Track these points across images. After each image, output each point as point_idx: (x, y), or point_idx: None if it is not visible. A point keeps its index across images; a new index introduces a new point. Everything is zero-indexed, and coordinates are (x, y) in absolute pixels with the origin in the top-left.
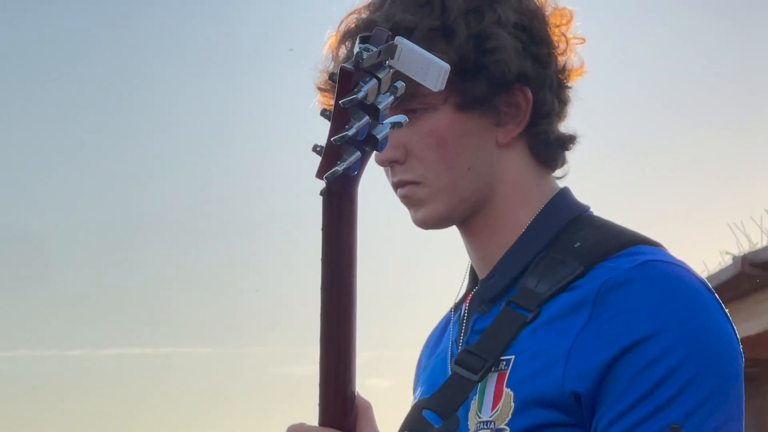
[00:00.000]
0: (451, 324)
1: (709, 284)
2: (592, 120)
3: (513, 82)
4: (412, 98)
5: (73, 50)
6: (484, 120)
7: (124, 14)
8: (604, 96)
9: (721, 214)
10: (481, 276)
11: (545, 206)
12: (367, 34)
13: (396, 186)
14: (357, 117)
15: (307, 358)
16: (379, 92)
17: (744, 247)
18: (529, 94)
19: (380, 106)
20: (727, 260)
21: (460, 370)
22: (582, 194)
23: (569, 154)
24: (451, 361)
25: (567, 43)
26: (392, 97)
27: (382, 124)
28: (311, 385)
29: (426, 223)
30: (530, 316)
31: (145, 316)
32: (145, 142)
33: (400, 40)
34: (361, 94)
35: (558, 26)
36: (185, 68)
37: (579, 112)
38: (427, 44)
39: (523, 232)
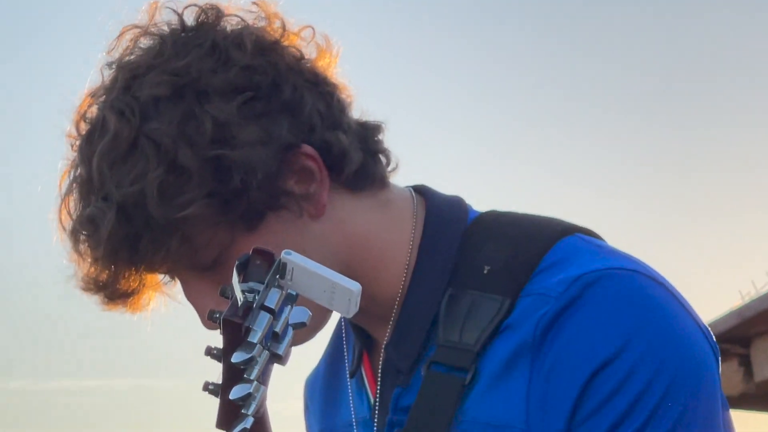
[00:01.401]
0: (349, 389)
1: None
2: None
3: (283, 161)
4: (198, 252)
5: None
6: (286, 212)
7: None
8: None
9: None
10: (376, 334)
11: (424, 232)
12: (243, 259)
13: None
14: (256, 359)
15: (296, 395)
16: (274, 318)
17: None
18: (309, 149)
19: (278, 329)
20: None
21: None
22: (629, 206)
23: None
24: None
25: (298, 47)
26: (289, 307)
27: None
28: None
29: (303, 341)
30: (467, 377)
31: (99, 344)
32: None
33: (289, 258)
34: (256, 350)
35: (279, 40)
36: None
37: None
38: (167, 202)
39: (414, 274)
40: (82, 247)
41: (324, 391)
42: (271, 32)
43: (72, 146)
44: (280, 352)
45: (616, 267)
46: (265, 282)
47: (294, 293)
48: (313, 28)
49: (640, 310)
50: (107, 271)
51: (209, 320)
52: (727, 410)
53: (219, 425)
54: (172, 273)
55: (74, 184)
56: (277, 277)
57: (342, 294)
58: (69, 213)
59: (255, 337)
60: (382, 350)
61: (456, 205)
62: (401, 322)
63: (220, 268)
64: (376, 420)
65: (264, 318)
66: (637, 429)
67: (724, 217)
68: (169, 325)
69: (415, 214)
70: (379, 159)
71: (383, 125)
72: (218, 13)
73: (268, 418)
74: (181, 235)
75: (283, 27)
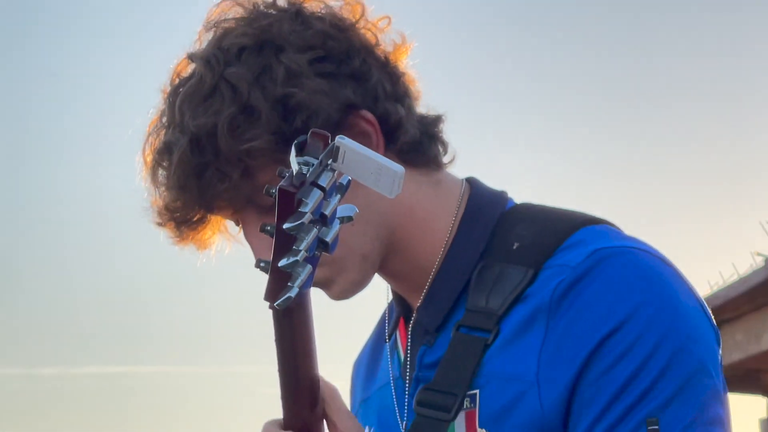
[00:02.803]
0: (387, 354)
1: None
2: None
3: (344, 118)
4: (259, 191)
5: None
6: None
7: None
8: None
9: (752, 211)
10: (412, 301)
11: (465, 212)
12: (303, 138)
13: None
14: (304, 231)
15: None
16: (324, 198)
17: None
18: (369, 115)
19: (327, 212)
20: (759, 262)
21: (427, 411)
22: (600, 197)
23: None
24: (398, 400)
25: (374, 32)
26: (339, 196)
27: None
28: None
29: (345, 296)
30: (490, 337)
31: (124, 333)
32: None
33: (342, 141)
34: (307, 217)
35: (356, 22)
36: None
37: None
38: (236, 136)
39: (451, 246)
40: (159, 176)
41: (367, 366)
42: (351, 17)
43: (164, 101)
44: (328, 238)
45: (630, 246)
46: (319, 159)
47: (345, 182)
48: (389, 19)
49: (648, 283)
50: (175, 201)
51: (257, 267)
52: (726, 392)
53: (266, 297)
54: (235, 207)
55: (159, 128)
56: (330, 160)
57: (387, 175)
58: (152, 151)
59: (306, 207)
60: (415, 313)
61: (497, 194)
62: (434, 287)
63: (269, 211)
64: (407, 377)
65: (315, 193)
66: (640, 394)
67: (695, 211)
68: (187, 314)
69: (461, 197)
70: (436, 143)
71: (443, 116)
72: None
73: (311, 307)
74: (245, 169)
75: (363, 13)
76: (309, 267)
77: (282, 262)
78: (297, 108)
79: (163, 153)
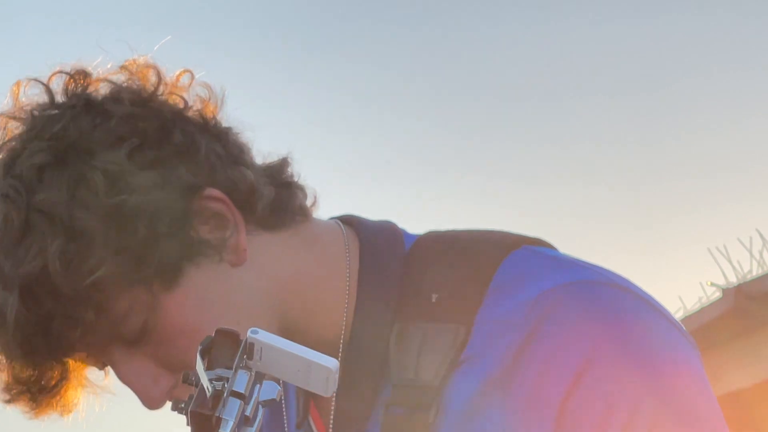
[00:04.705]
0: None
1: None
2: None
3: (189, 205)
4: (119, 323)
5: None
6: (205, 262)
7: None
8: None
9: (698, 236)
10: None
11: (361, 265)
12: (206, 343)
13: None
14: None
15: None
16: (246, 403)
17: (731, 277)
18: (215, 192)
19: (250, 412)
20: (712, 294)
21: None
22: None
23: None
24: None
25: (179, 94)
26: (259, 386)
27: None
28: None
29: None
30: (430, 414)
31: None
32: None
33: (256, 337)
34: None
35: (155, 90)
36: None
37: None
38: (73, 270)
39: (356, 311)
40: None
41: None
42: (148, 86)
43: None
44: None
45: (576, 280)
46: (234, 366)
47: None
48: (191, 72)
49: (611, 329)
50: (26, 369)
51: (174, 410)
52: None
53: None
54: (98, 354)
55: None
56: (245, 357)
57: (318, 372)
58: None
59: (227, 427)
60: (333, 399)
61: (389, 232)
62: (349, 366)
63: (150, 337)
64: None
65: (235, 405)
66: None
67: (632, 238)
68: None
69: (347, 247)
70: (294, 192)
71: (289, 159)
72: (87, 77)
73: None
74: (96, 306)
75: (159, 77)
76: None
77: None
78: (134, 216)
79: None
